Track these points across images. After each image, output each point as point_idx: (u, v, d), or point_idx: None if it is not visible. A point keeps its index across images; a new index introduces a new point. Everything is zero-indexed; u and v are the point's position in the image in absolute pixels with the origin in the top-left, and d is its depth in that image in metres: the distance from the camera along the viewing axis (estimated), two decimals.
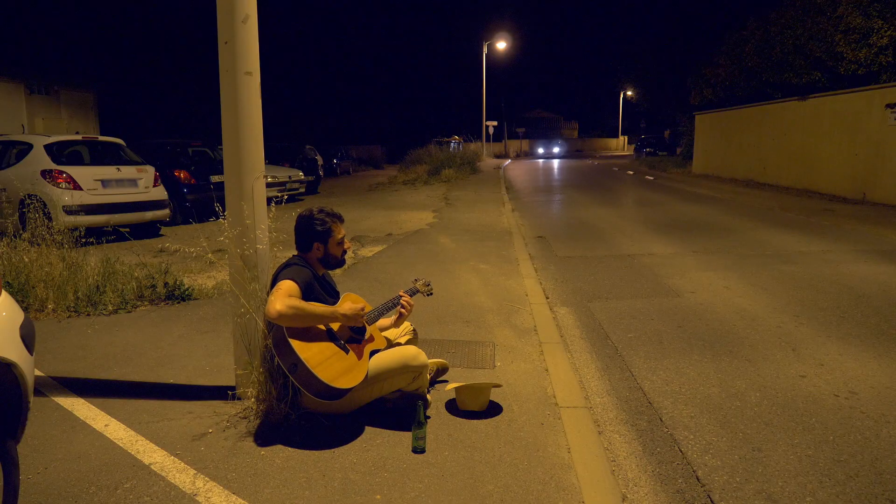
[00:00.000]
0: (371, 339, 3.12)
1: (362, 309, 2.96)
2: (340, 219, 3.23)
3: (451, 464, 2.66)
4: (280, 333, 2.77)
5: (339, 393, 2.80)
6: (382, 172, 30.70)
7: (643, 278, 6.46)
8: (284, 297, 2.75)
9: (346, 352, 2.91)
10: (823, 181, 15.62)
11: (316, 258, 3.16)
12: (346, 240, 3.23)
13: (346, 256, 3.27)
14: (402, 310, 3.35)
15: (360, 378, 2.88)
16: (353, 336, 3.02)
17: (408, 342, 3.48)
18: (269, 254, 3.36)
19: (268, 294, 2.96)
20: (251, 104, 3.11)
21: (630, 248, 8.28)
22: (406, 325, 3.60)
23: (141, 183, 9.44)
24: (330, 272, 3.38)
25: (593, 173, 27.22)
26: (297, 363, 2.72)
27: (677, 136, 35.17)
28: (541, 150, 56.70)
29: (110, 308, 5.04)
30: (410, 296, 3.45)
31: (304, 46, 42.05)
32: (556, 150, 57.08)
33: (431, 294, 3.71)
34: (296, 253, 3.21)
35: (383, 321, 3.42)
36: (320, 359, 2.77)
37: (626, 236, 9.29)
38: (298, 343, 2.75)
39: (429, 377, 3.32)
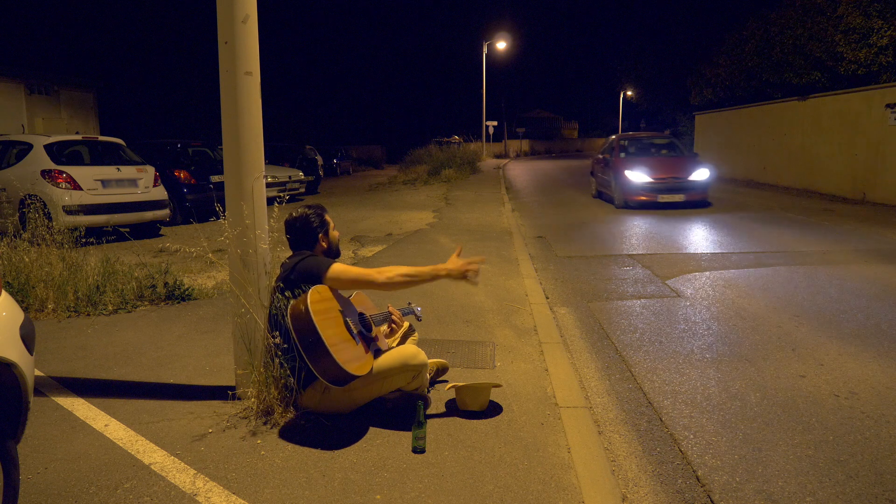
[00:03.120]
0: (377, 338, 3.14)
1: (467, 263, 3.10)
2: (326, 209, 3.40)
3: (451, 464, 2.66)
4: (304, 307, 2.78)
5: (349, 377, 2.80)
6: (382, 172, 30.70)
7: (643, 278, 6.46)
8: (379, 269, 3.06)
9: (357, 342, 2.94)
10: (823, 181, 15.62)
11: (321, 252, 3.20)
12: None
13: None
14: (393, 325, 3.42)
15: (368, 368, 2.91)
16: (362, 331, 3.05)
17: (405, 336, 3.51)
18: (270, 254, 3.36)
19: (279, 292, 3.00)
20: (251, 104, 3.11)
21: (630, 247, 8.28)
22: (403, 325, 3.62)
23: (141, 183, 9.43)
24: None
25: None
26: (316, 339, 2.73)
27: (677, 136, 35.17)
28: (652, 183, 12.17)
29: (110, 308, 5.04)
30: (403, 315, 3.54)
31: (304, 46, 42.05)
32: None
33: (420, 319, 3.78)
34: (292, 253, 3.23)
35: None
36: (336, 340, 2.81)
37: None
38: (320, 320, 2.77)
39: (429, 377, 3.33)
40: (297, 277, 3.00)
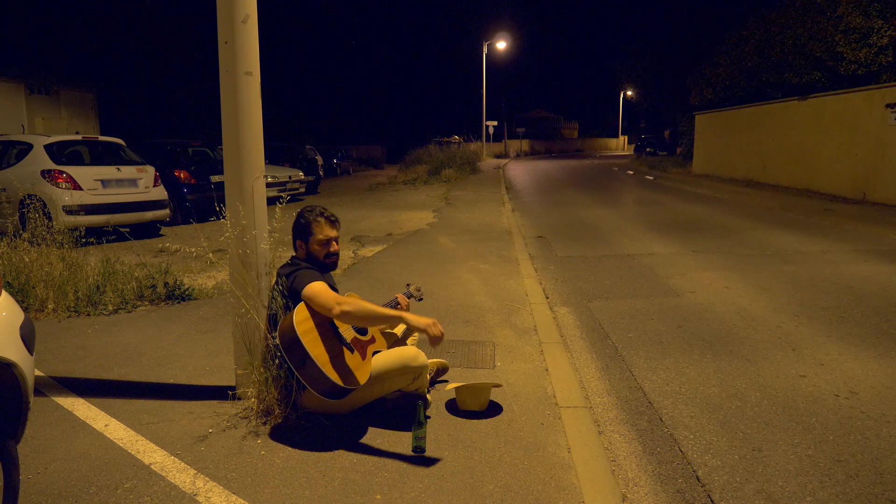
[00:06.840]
0: (373, 340, 3.13)
1: (435, 323, 2.84)
2: (329, 219, 3.16)
3: (451, 464, 2.66)
4: (290, 329, 2.78)
5: (345, 391, 2.81)
6: (382, 172, 30.70)
7: (643, 278, 6.46)
8: (338, 298, 2.85)
9: (352, 351, 2.93)
10: (823, 181, 15.62)
11: (302, 257, 3.16)
12: (334, 243, 3.15)
13: (335, 261, 3.20)
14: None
15: (365, 378, 2.90)
16: (356, 336, 3.03)
17: (404, 335, 3.51)
18: (270, 254, 3.36)
19: (279, 294, 2.99)
20: (251, 104, 3.11)
21: (630, 247, 8.27)
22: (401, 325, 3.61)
23: (141, 183, 9.44)
24: (331, 273, 3.37)
25: (593, 173, 27.21)
26: (305, 359, 2.74)
27: (677, 136, 35.16)
28: None
29: (110, 308, 5.04)
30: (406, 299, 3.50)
31: (304, 46, 41.93)
32: None
33: (421, 300, 3.76)
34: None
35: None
36: (328, 357, 2.79)
37: (626, 236, 9.29)
38: (308, 340, 2.77)
39: (429, 377, 3.33)
40: (290, 294, 2.98)
